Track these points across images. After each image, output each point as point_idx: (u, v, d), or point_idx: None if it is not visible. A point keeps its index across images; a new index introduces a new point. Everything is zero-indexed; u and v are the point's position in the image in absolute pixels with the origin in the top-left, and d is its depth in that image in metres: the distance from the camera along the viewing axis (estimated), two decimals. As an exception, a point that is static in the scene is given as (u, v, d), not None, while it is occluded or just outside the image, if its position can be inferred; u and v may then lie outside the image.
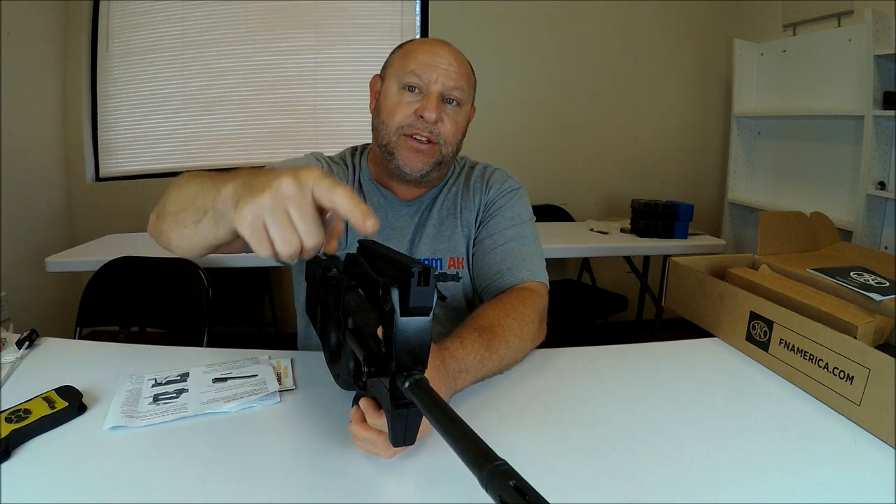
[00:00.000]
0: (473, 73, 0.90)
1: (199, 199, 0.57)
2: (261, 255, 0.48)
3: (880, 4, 2.01)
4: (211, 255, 1.46)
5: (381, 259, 0.49)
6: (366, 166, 0.95)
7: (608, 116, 2.85)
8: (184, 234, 0.60)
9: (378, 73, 0.92)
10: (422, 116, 0.82)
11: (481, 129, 2.71)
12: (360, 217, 0.45)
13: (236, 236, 0.53)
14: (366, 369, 0.48)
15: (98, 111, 2.66)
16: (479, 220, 0.94)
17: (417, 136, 0.83)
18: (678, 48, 2.83)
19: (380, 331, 0.48)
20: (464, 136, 0.90)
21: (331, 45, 2.68)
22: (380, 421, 0.52)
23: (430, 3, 2.67)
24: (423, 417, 0.48)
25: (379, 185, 0.93)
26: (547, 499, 0.29)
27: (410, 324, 0.44)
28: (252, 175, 0.50)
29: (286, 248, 0.46)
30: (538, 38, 2.74)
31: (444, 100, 0.84)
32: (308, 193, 0.45)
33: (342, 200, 0.45)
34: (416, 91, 0.83)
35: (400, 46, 0.89)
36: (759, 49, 2.62)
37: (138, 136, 2.70)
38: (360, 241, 0.56)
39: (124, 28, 2.61)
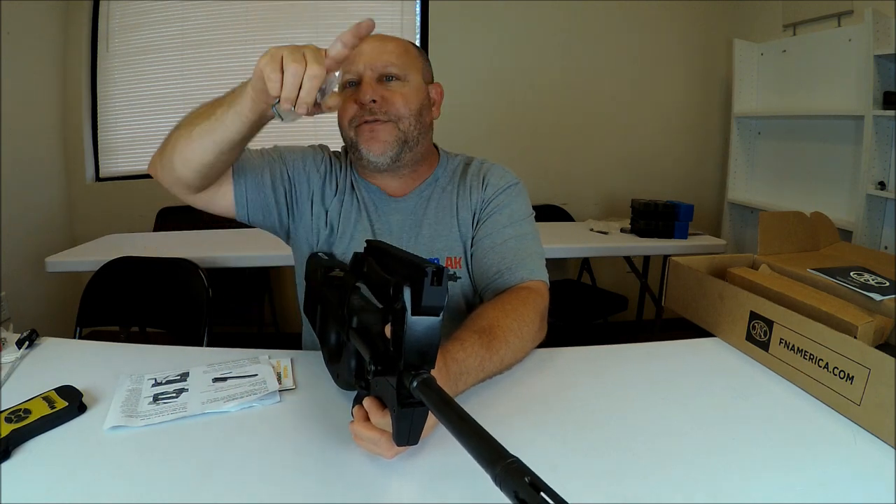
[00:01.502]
0: (417, 49, 0.90)
1: (215, 103, 0.69)
2: (271, 92, 0.60)
3: (880, 4, 2.00)
4: (210, 255, 1.49)
5: (391, 258, 0.50)
6: (353, 167, 0.96)
7: (608, 116, 2.85)
8: (193, 133, 0.70)
9: None
10: (362, 103, 0.82)
11: (482, 128, 2.74)
12: (355, 30, 0.61)
13: (247, 129, 0.68)
14: (372, 368, 0.48)
15: (98, 111, 2.66)
16: (476, 219, 0.92)
17: (367, 120, 0.83)
18: (678, 48, 2.83)
19: (387, 330, 0.48)
20: (426, 109, 0.89)
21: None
22: (384, 420, 0.51)
23: (430, 3, 2.67)
24: (426, 417, 0.48)
25: (370, 184, 0.92)
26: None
27: (421, 323, 0.44)
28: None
29: (293, 77, 0.57)
30: (538, 38, 2.74)
31: (383, 79, 0.84)
32: (319, 51, 0.59)
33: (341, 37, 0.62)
34: (355, 84, 0.85)
35: None
36: (759, 49, 2.62)
37: (138, 136, 2.70)
38: (368, 241, 0.56)
39: (124, 28, 2.61)
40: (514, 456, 0.34)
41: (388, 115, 0.83)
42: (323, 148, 0.96)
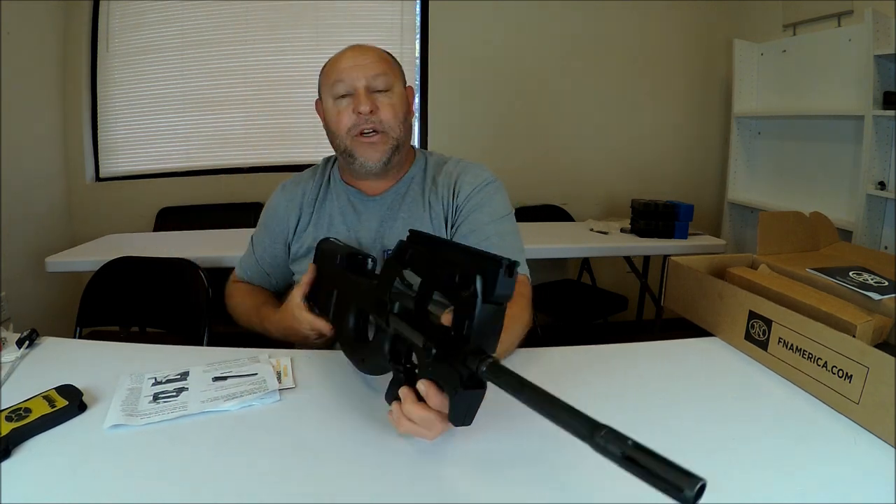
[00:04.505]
0: (393, 57, 0.96)
1: (256, 326, 0.96)
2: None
3: (880, 4, 2.00)
4: (210, 255, 1.55)
5: (451, 249, 0.53)
6: (336, 171, 1.02)
7: (608, 116, 2.85)
8: (256, 330, 0.96)
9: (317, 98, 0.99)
10: (360, 112, 0.88)
11: (482, 128, 2.74)
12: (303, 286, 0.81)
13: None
14: (432, 351, 0.50)
15: (98, 111, 2.65)
16: (448, 218, 0.96)
17: (365, 131, 0.90)
18: (678, 48, 2.83)
19: (445, 317, 0.50)
20: (409, 114, 0.95)
21: (331, 45, 2.65)
22: (442, 402, 0.52)
23: (430, 3, 2.67)
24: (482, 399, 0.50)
25: (348, 185, 0.99)
26: (549, 498, 0.30)
27: (490, 310, 0.47)
28: (283, 324, 0.86)
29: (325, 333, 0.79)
30: (538, 38, 2.74)
31: (372, 90, 0.90)
32: (303, 323, 0.80)
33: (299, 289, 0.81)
34: (347, 95, 0.90)
35: (323, 67, 0.96)
36: (759, 49, 2.62)
37: (138, 136, 2.70)
38: (411, 231, 0.59)
39: (124, 28, 2.61)
40: (607, 425, 0.36)
41: (382, 124, 0.90)
42: (278, 195, 1.03)
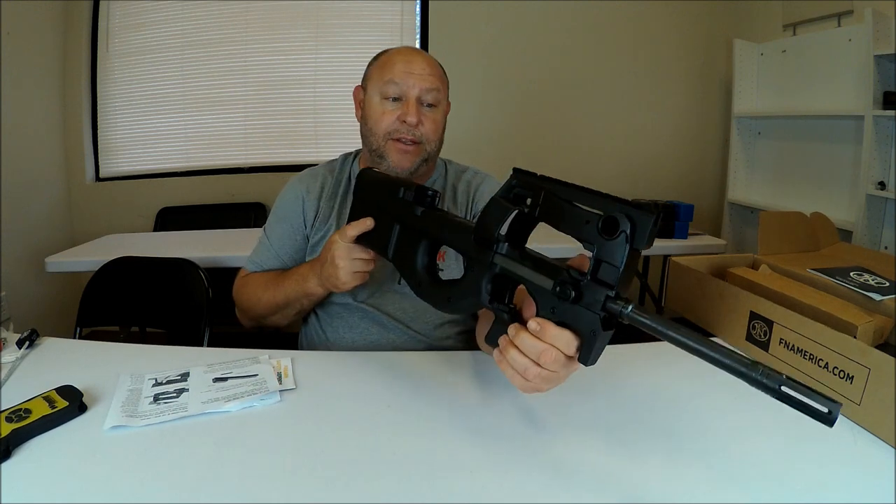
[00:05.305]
0: (445, 73, 0.97)
1: (293, 297, 0.91)
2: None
3: (880, 4, 2.00)
4: (210, 255, 1.54)
5: (574, 191, 0.53)
6: (357, 167, 1.01)
7: (608, 116, 2.84)
8: (287, 314, 0.96)
9: (359, 83, 0.98)
10: (405, 121, 0.89)
11: (481, 128, 2.74)
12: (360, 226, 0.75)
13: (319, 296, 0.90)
14: (571, 293, 0.50)
15: (98, 111, 2.66)
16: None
17: (403, 140, 0.90)
18: (678, 48, 2.83)
19: (577, 261, 0.52)
20: (444, 131, 0.97)
21: (331, 45, 2.68)
22: (574, 343, 0.51)
23: (430, 3, 2.67)
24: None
25: None
26: (548, 498, 0.30)
27: (635, 257, 0.47)
28: (312, 269, 0.86)
29: (368, 266, 0.79)
30: (537, 39, 2.74)
31: (422, 103, 0.91)
32: (342, 252, 0.77)
33: (353, 229, 0.76)
34: (397, 99, 0.90)
35: (377, 58, 0.96)
36: (759, 49, 2.62)
37: (138, 136, 2.70)
38: (516, 168, 0.57)
39: (124, 28, 2.61)
40: (758, 362, 0.40)
41: (420, 136, 0.91)
42: (296, 182, 1.02)
